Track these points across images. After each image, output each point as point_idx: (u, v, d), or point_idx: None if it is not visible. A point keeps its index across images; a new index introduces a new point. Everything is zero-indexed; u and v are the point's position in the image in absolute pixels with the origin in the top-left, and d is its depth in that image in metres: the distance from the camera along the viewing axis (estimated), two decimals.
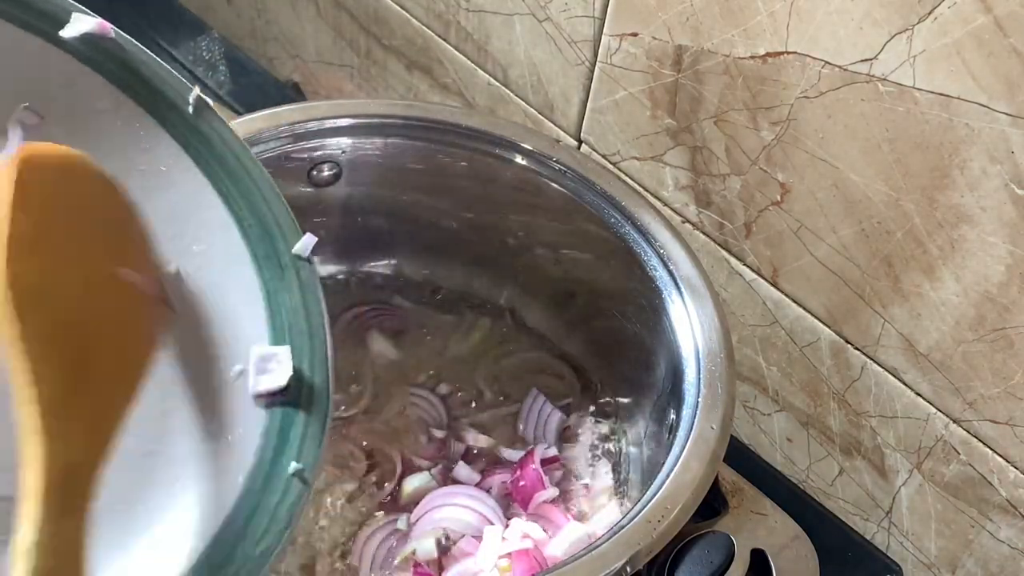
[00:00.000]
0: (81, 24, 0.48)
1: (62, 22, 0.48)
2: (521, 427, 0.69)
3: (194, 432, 0.47)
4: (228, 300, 0.48)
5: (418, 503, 0.64)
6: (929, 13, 0.55)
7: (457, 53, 0.86)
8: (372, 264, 0.76)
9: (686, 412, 0.57)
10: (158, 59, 0.51)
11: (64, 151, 0.45)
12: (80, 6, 0.49)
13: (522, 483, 0.64)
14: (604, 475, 0.67)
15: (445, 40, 0.87)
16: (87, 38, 0.49)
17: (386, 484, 0.65)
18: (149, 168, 0.49)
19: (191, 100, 0.50)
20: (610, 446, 0.69)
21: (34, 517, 0.39)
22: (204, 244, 0.49)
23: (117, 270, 0.46)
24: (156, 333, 0.47)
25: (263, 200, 0.51)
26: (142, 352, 0.46)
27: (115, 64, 0.49)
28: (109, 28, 0.49)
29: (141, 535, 0.45)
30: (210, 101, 0.51)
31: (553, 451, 0.67)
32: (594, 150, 0.79)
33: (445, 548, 0.61)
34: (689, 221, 0.75)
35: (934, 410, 0.67)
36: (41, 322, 0.41)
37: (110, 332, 0.45)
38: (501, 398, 0.71)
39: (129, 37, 0.51)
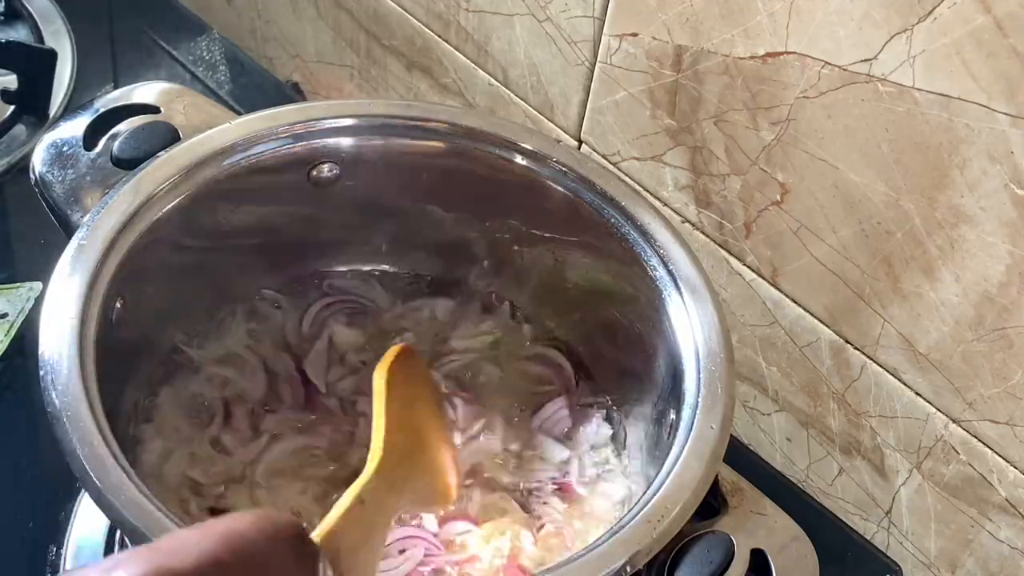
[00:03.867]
0: None
1: None
2: (535, 423, 0.69)
3: None
4: None
5: None
6: (929, 13, 0.55)
7: (457, 53, 0.86)
8: (372, 264, 0.76)
9: (686, 412, 0.57)
10: None
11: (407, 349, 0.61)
12: None
13: None
14: (604, 474, 0.67)
15: (445, 40, 0.87)
16: None
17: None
18: None
19: None
20: (610, 445, 0.69)
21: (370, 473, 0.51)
22: None
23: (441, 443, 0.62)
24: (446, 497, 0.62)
25: None
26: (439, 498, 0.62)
27: None
28: None
29: None
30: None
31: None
32: (594, 150, 0.79)
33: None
34: (689, 221, 0.75)
35: (934, 410, 0.67)
36: (399, 405, 0.58)
37: (427, 477, 0.60)
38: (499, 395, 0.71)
39: None
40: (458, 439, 0.67)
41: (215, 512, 0.62)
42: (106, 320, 0.56)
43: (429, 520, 0.63)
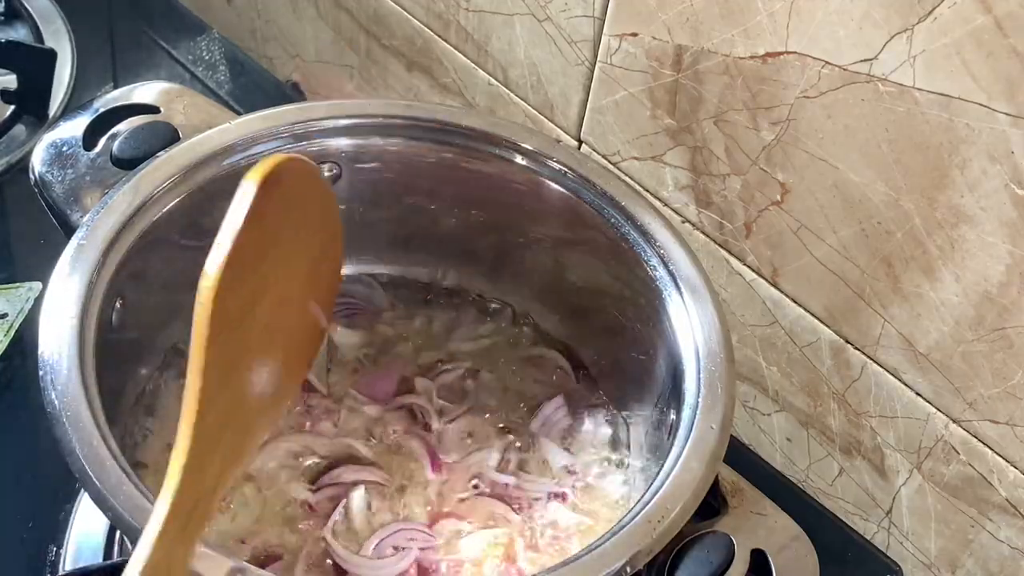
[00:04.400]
0: None
1: None
2: (535, 425, 0.69)
3: None
4: None
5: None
6: (929, 13, 0.55)
7: (457, 53, 0.86)
8: (372, 264, 0.76)
9: (686, 412, 0.57)
10: None
11: (307, 166, 0.45)
12: None
13: None
14: (604, 475, 0.67)
15: (445, 40, 0.87)
16: None
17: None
18: None
19: None
20: (610, 446, 0.69)
21: (151, 541, 0.41)
22: None
23: (308, 301, 0.48)
24: (306, 366, 0.49)
25: None
26: (293, 383, 0.49)
27: None
28: None
29: None
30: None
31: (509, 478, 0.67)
32: (594, 150, 0.79)
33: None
34: (689, 221, 0.75)
35: (934, 410, 0.67)
36: (226, 349, 0.43)
37: (277, 363, 0.47)
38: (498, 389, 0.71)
39: None
40: (456, 454, 0.67)
41: None
42: (106, 320, 0.56)
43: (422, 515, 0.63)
